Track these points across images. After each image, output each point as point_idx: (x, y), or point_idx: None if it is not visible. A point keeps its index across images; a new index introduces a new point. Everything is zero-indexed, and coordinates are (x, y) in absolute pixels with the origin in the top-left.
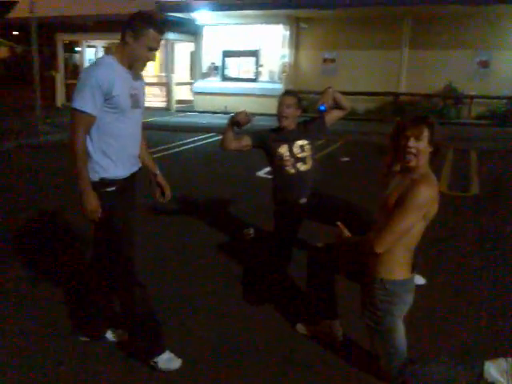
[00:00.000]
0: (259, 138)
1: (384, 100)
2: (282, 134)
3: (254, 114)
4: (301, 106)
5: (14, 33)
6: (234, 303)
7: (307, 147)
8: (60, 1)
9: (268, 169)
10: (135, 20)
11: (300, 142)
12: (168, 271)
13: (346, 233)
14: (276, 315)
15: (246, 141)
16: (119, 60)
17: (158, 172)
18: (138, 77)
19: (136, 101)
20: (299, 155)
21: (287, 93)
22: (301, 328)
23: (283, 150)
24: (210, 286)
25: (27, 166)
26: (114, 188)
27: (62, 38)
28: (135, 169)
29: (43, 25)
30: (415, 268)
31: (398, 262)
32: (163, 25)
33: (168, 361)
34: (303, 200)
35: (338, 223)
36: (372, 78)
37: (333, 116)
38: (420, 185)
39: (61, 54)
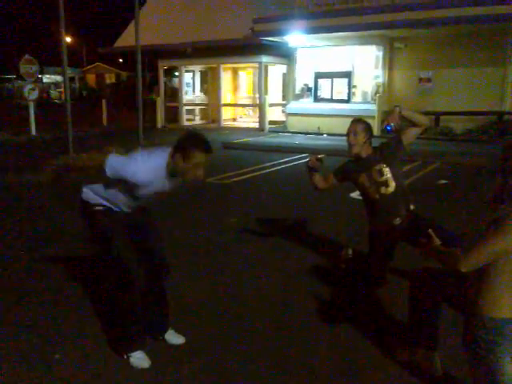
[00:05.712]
0: (340, 173)
1: (486, 120)
2: (358, 164)
3: (323, 156)
4: (370, 131)
5: (120, 60)
6: (329, 326)
7: (386, 170)
8: (161, 30)
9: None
10: (184, 142)
11: (377, 167)
12: (263, 293)
13: (437, 241)
14: (373, 340)
15: (331, 179)
16: (168, 166)
17: None
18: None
19: (154, 194)
20: (380, 180)
21: (354, 121)
22: (399, 355)
23: (362, 178)
24: (306, 310)
25: None
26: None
27: (163, 64)
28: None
29: (146, 52)
30: None
31: (502, 297)
32: (209, 145)
33: (140, 359)
34: (397, 221)
35: (429, 231)
36: (472, 96)
37: (409, 134)
38: None
39: (162, 79)
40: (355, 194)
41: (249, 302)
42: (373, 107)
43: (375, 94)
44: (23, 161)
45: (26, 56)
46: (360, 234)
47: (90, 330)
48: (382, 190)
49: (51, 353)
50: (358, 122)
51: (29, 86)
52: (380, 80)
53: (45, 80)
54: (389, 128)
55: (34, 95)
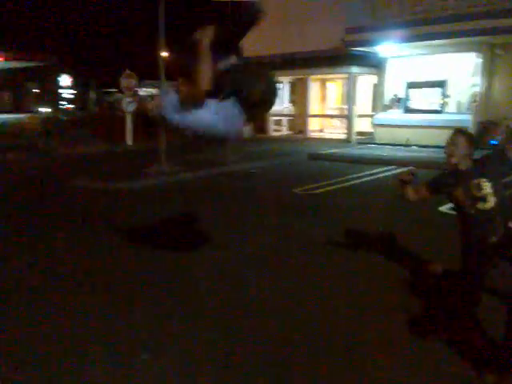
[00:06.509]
0: (435, 185)
1: None
2: (456, 176)
3: (416, 169)
4: (472, 143)
5: None
6: (410, 344)
7: (485, 185)
8: (251, 42)
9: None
10: None
11: (476, 181)
12: (347, 305)
13: None
14: (460, 360)
15: (424, 191)
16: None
17: None
18: None
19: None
20: (477, 194)
21: (456, 131)
22: (488, 378)
23: (459, 192)
24: (393, 323)
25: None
26: None
27: None
28: None
29: None
30: None
31: None
32: None
33: None
34: (494, 239)
35: None
36: None
37: None
38: None
39: None
40: (445, 208)
41: (334, 312)
42: (468, 118)
43: (472, 103)
44: (122, 169)
45: (127, 71)
46: (451, 250)
47: (182, 333)
48: (480, 205)
49: (139, 352)
50: (460, 132)
51: (127, 99)
52: (477, 89)
53: (141, 93)
54: (494, 142)
55: (132, 107)
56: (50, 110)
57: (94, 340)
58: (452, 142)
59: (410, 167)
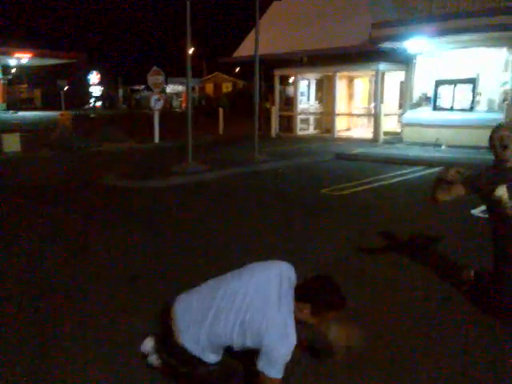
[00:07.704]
0: (474, 183)
1: None
2: (499, 173)
3: (462, 168)
4: None
5: (237, 69)
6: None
7: None
8: (277, 39)
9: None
10: (319, 298)
11: None
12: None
13: None
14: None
15: (459, 190)
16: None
17: None
18: None
19: None
20: None
21: (500, 127)
22: None
23: (501, 191)
24: (426, 330)
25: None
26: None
27: (279, 73)
28: None
29: (262, 61)
30: None
31: None
32: (344, 301)
33: None
34: None
35: None
36: None
37: None
38: None
39: (277, 88)
40: (478, 211)
41: (362, 316)
42: (500, 116)
43: (503, 101)
44: (149, 167)
45: (154, 68)
46: (484, 254)
47: None
48: None
49: None
50: (505, 127)
51: (154, 97)
52: (509, 87)
53: (168, 90)
54: None
55: (159, 105)
56: (86, 107)
57: None
58: (500, 138)
59: (443, 165)
